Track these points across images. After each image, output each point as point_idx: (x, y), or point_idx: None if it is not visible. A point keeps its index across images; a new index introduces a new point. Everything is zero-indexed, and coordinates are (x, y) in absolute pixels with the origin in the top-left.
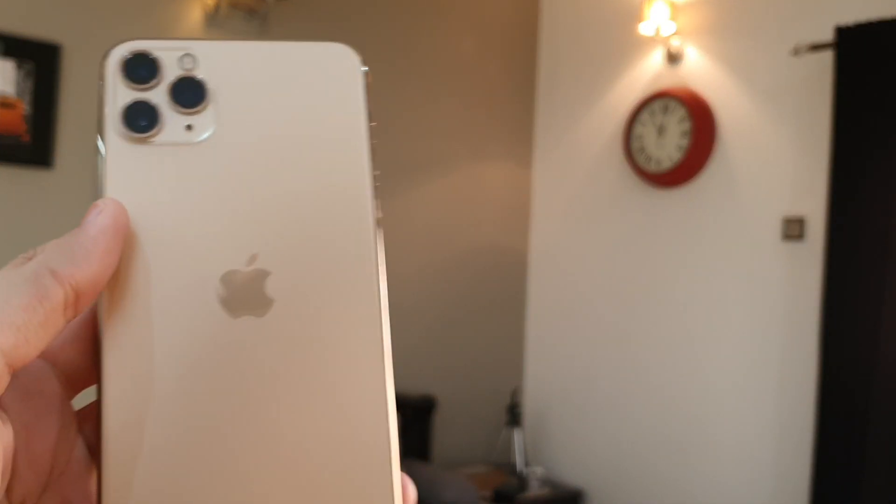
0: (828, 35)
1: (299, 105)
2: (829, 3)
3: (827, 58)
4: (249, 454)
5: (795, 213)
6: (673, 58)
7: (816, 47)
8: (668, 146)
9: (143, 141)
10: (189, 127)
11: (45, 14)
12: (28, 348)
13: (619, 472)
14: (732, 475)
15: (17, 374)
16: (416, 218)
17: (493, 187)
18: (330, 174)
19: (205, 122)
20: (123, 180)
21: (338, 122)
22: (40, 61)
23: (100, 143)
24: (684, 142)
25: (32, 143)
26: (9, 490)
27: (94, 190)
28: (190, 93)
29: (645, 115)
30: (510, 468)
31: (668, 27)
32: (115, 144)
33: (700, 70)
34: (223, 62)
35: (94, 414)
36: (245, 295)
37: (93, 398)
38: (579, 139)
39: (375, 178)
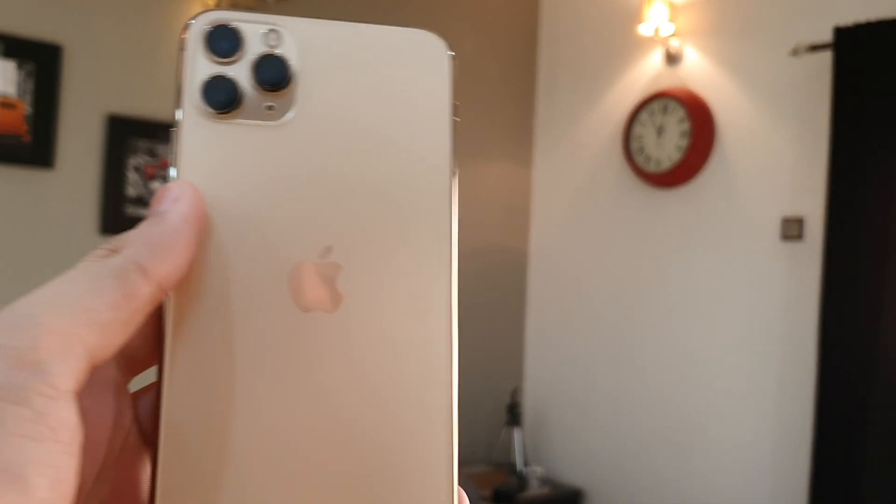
0: (827, 36)
1: (384, 93)
2: (828, 3)
3: (826, 58)
4: (309, 452)
5: (794, 213)
6: (672, 58)
7: (815, 48)
8: (667, 146)
9: (222, 118)
10: (270, 107)
11: (46, 14)
12: (110, 346)
13: (618, 472)
14: (732, 474)
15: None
16: None
17: (492, 187)
18: (410, 170)
19: (286, 104)
20: (199, 160)
21: (422, 113)
22: (41, 62)
23: (177, 114)
24: (683, 142)
25: (33, 143)
26: None
27: (172, 160)
28: (273, 71)
29: (644, 116)
30: (510, 468)
31: (667, 28)
32: (191, 119)
33: (699, 70)
34: (309, 41)
35: (149, 399)
36: (316, 289)
37: (148, 380)
38: (579, 139)
39: (455, 174)
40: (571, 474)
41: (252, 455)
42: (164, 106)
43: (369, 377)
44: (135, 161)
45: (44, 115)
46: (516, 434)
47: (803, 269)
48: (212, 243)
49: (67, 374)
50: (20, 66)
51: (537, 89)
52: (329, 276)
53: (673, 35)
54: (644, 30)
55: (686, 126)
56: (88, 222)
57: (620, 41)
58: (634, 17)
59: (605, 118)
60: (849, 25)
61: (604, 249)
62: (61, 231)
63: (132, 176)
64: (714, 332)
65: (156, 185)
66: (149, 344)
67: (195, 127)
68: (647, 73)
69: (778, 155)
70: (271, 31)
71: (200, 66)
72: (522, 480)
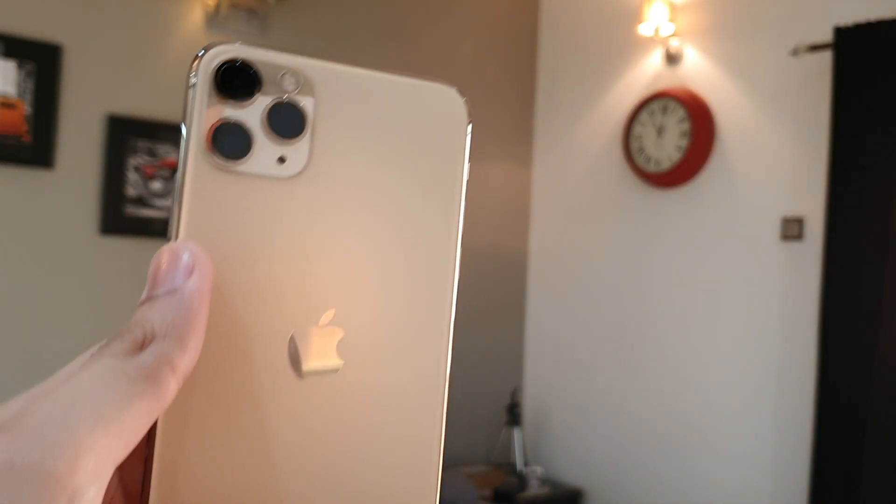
0: (827, 35)
1: (399, 152)
2: (828, 3)
3: (826, 58)
4: None
5: (794, 212)
6: (672, 58)
7: (815, 48)
8: (667, 146)
9: (230, 167)
10: (282, 159)
11: (46, 14)
12: (134, 446)
13: (618, 472)
14: (731, 474)
15: None
16: None
17: (492, 187)
18: (417, 234)
19: (299, 156)
20: (205, 216)
21: (436, 177)
22: (41, 62)
23: (182, 160)
24: (683, 142)
25: (33, 143)
26: None
27: (176, 211)
28: (288, 121)
29: (644, 116)
30: (510, 467)
31: (667, 28)
32: (198, 168)
33: (699, 70)
34: (326, 89)
35: (134, 461)
36: (315, 353)
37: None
38: (579, 139)
39: (461, 239)
40: (571, 474)
41: None
42: (164, 106)
43: (362, 449)
44: (135, 161)
45: (44, 115)
46: (516, 434)
47: (803, 269)
48: (213, 308)
49: (98, 494)
50: (20, 66)
51: (537, 89)
52: (329, 341)
53: (673, 35)
54: (644, 30)
55: (686, 126)
56: (88, 222)
57: (620, 41)
58: (634, 17)
59: (605, 118)
60: (849, 25)
61: (604, 249)
62: (61, 231)
63: (132, 176)
64: (714, 331)
65: (156, 185)
66: None
67: (202, 177)
68: (647, 72)
69: (778, 155)
70: (287, 74)
71: (211, 108)
72: (522, 480)
